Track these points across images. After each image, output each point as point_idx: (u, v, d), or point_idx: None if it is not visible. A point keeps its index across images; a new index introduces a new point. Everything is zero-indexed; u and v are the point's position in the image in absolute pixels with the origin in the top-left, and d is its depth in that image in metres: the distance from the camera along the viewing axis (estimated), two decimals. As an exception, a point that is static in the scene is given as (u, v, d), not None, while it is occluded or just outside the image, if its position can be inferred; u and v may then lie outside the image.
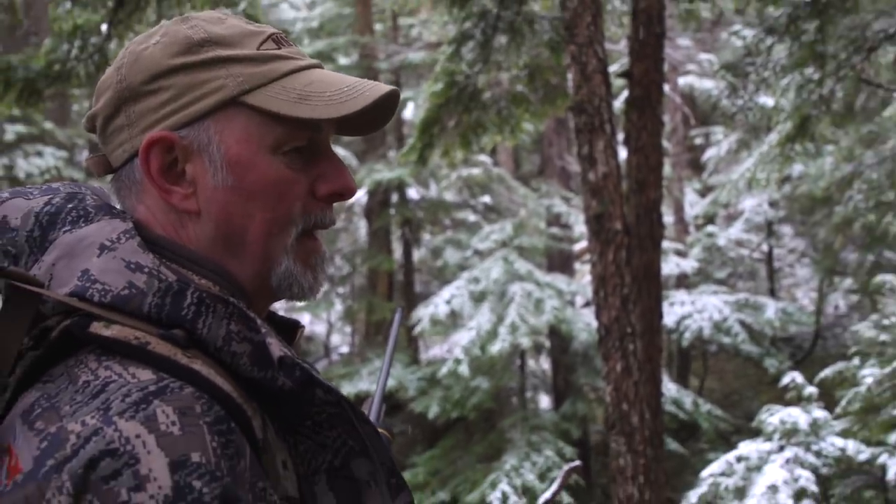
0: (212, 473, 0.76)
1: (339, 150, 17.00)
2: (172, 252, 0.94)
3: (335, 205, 1.03)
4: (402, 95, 14.93)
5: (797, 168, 11.96)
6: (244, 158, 0.94)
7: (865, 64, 7.52)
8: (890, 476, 9.30)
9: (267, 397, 0.89)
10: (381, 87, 0.97)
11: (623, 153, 6.37)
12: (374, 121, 1.04)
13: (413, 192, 15.26)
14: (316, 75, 0.97)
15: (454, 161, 9.49)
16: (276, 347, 0.89)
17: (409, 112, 15.98)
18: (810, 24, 6.97)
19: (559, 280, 12.83)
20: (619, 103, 10.03)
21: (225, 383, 0.85)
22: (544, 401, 13.97)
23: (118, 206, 0.99)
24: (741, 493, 10.11)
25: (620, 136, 6.94)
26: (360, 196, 15.44)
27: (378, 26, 16.48)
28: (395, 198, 15.22)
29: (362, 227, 16.29)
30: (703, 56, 15.53)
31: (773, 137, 8.25)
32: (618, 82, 8.48)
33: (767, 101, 9.16)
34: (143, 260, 0.88)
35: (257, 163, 0.95)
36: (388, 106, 1.00)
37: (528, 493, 10.65)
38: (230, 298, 0.89)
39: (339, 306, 16.87)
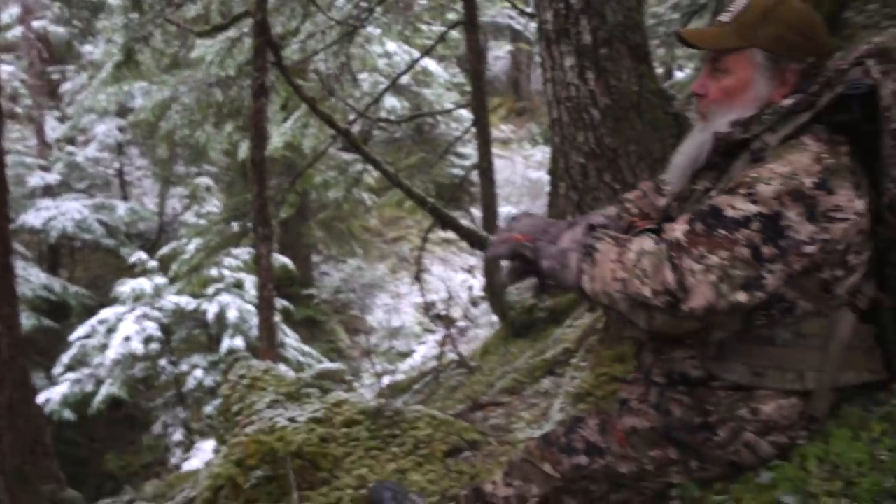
0: None
1: None
2: None
3: None
4: None
5: (139, 101, 12.70)
6: None
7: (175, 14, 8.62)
8: (209, 317, 10.86)
9: None
10: None
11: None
12: None
13: None
14: None
15: None
16: None
17: None
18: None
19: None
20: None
21: None
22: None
23: None
24: (104, 348, 10.76)
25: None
26: None
27: None
28: None
29: None
30: (56, 3, 15.11)
31: (109, 66, 8.88)
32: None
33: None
34: None
35: None
36: None
37: None
38: None
39: None
